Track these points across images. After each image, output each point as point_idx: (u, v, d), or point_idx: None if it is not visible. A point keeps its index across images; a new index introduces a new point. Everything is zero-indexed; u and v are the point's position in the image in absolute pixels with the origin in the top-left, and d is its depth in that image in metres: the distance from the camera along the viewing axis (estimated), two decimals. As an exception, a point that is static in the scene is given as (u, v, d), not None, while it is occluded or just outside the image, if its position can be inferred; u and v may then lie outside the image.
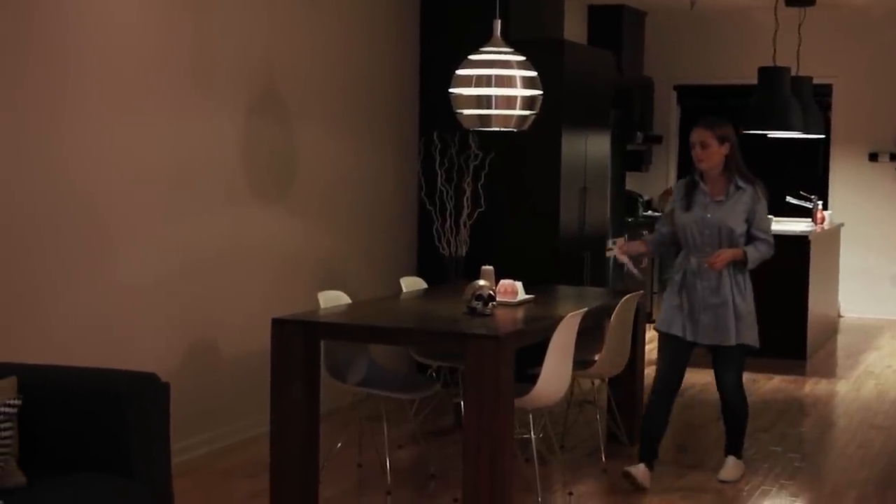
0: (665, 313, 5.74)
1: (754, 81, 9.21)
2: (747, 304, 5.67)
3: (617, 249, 5.91)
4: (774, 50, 9.12)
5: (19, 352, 4.71)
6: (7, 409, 3.70)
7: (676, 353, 5.71)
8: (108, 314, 5.50)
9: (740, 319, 5.63)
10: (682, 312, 5.65)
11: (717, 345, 5.67)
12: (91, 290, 5.39)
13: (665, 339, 5.77)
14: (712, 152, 5.58)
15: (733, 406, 5.81)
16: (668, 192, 12.02)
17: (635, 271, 6.10)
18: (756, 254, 5.62)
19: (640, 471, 5.64)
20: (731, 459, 5.87)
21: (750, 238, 5.65)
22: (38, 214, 5.08)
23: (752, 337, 5.69)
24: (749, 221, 5.63)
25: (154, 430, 4.03)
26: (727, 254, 5.54)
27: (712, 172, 5.63)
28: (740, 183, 5.62)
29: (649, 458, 5.72)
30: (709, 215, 5.59)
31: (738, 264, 5.62)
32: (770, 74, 9.02)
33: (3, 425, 3.67)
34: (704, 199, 5.63)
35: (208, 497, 5.38)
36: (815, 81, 10.13)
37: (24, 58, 4.96)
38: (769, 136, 9.74)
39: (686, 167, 12.27)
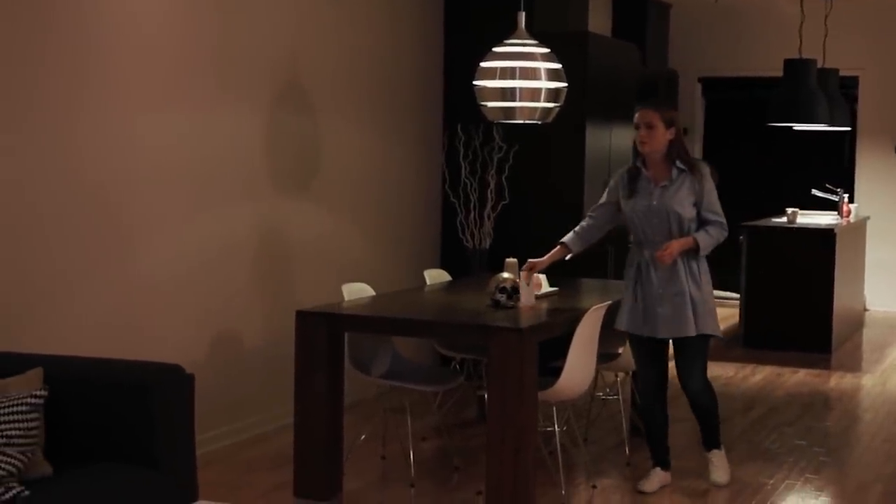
0: (622, 311, 5.44)
1: (780, 73, 9.15)
2: (703, 293, 5.35)
3: (524, 273, 5.51)
4: (800, 42, 9.07)
5: (45, 343, 4.73)
6: (33, 400, 3.73)
7: (647, 351, 5.47)
8: (134, 306, 5.52)
9: (697, 309, 5.32)
10: (636, 308, 5.37)
11: (677, 337, 5.39)
12: (116, 282, 5.41)
13: (631, 340, 5.54)
14: (657, 135, 5.27)
15: (701, 402, 5.52)
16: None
17: (525, 299, 5.45)
18: (708, 239, 5.32)
19: (653, 482, 5.54)
20: (715, 455, 5.63)
21: (701, 222, 5.35)
22: (64, 208, 5.10)
23: (711, 326, 5.38)
24: (697, 204, 5.32)
25: (178, 421, 4.05)
26: (676, 245, 5.23)
27: (654, 157, 5.32)
28: (682, 166, 5.31)
29: (661, 458, 5.61)
30: (654, 202, 5.30)
31: (691, 252, 5.31)
32: (796, 66, 8.96)
33: (29, 416, 3.69)
34: (648, 185, 5.33)
35: (232, 488, 5.40)
36: (842, 73, 10.07)
37: (45, 53, 4.97)
38: (795, 128, 9.69)
39: (711, 159, 12.29)
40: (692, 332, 5.34)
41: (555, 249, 5.64)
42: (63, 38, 5.05)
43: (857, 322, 10.67)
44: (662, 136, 5.28)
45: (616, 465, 6.00)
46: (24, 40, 4.84)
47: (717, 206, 5.38)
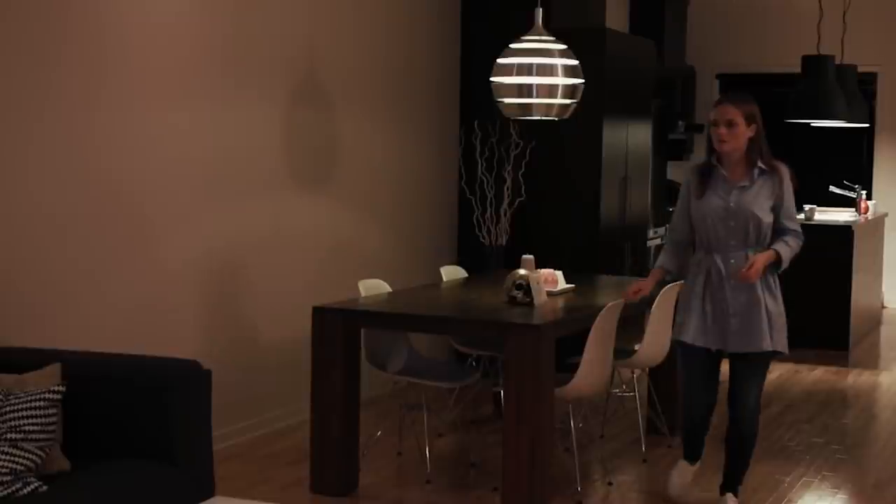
0: (685, 322, 4.97)
1: (798, 70, 9.11)
2: (779, 306, 4.95)
3: (630, 293, 5.24)
4: (818, 38, 9.03)
5: (63, 339, 4.75)
6: (51, 396, 3.74)
7: (704, 368, 5.01)
8: (151, 302, 5.54)
9: (773, 323, 4.90)
10: (705, 319, 4.92)
11: (746, 352, 4.91)
12: (134, 278, 5.43)
13: (687, 353, 5.01)
14: (738, 133, 4.83)
15: (746, 428, 5.02)
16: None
17: (538, 299, 5.46)
18: (789, 252, 4.91)
19: (677, 484, 5.28)
20: (731, 500, 5.13)
21: (777, 230, 4.94)
22: (82, 205, 5.11)
23: (783, 343, 4.96)
24: (776, 209, 4.91)
25: (196, 416, 4.06)
26: (760, 261, 4.78)
27: (734, 156, 4.88)
28: (763, 166, 4.89)
29: (693, 455, 5.28)
30: (732, 204, 4.85)
31: (770, 264, 4.88)
32: (814, 63, 8.92)
33: (47, 412, 3.71)
34: (724, 185, 4.89)
35: (250, 484, 5.41)
36: (860, 70, 10.01)
37: (63, 48, 4.99)
38: (813, 124, 9.66)
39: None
40: (766, 347, 4.89)
41: (653, 273, 5.27)
42: (81, 36, 5.07)
43: (875, 319, 10.63)
44: (743, 133, 4.84)
45: (632, 461, 6.00)
46: (43, 40, 4.86)
47: (795, 214, 5.00)
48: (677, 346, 5.08)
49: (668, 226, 5.26)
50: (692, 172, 5.05)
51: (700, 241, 4.99)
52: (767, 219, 4.90)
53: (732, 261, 4.87)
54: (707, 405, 5.10)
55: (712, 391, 5.09)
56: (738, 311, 4.88)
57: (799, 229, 5.00)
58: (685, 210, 5.05)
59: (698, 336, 4.94)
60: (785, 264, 4.93)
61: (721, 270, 4.89)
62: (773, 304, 4.93)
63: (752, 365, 4.94)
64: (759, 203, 4.87)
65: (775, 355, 4.99)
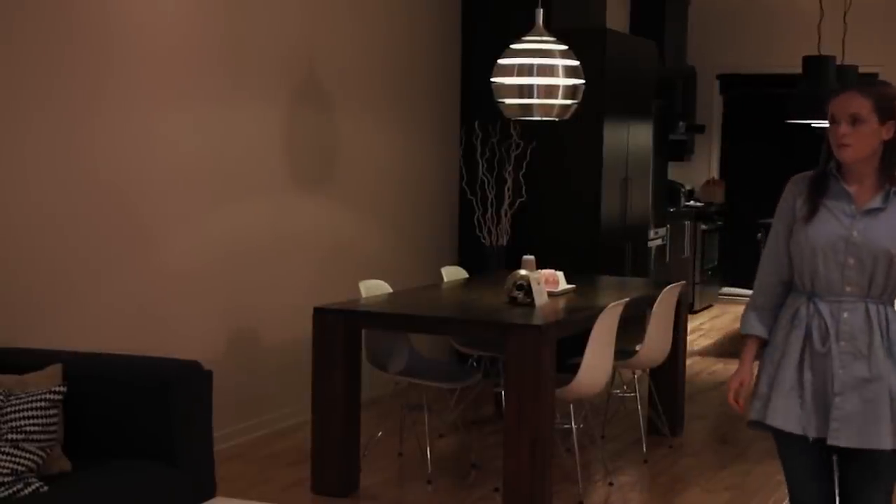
0: (771, 397, 3.48)
1: (799, 70, 9.12)
2: None
3: (732, 397, 3.59)
4: (819, 38, 9.03)
5: (64, 340, 4.76)
6: (52, 396, 3.74)
7: (811, 462, 3.51)
8: (152, 303, 5.54)
9: None
10: (801, 395, 3.43)
11: (862, 449, 3.40)
12: (135, 279, 5.43)
13: (782, 443, 3.54)
14: (866, 132, 3.35)
15: None
16: (713, 183, 11.98)
17: (538, 300, 5.29)
18: None
19: None
20: None
21: None
22: (83, 206, 5.12)
23: None
24: None
25: (197, 417, 4.07)
26: None
27: (861, 166, 3.40)
28: None
29: None
30: (855, 233, 3.37)
31: None
32: (815, 63, 8.92)
33: (48, 412, 3.71)
34: (848, 206, 3.40)
35: (250, 484, 5.41)
36: (861, 70, 10.00)
37: (65, 49, 4.99)
38: (814, 125, 9.66)
39: (729, 157, 12.29)
40: (888, 445, 3.38)
41: (748, 348, 3.61)
42: (82, 38, 5.07)
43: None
44: (873, 134, 3.36)
45: (633, 462, 6.00)
46: (45, 42, 4.86)
47: None
48: (761, 429, 3.55)
49: (758, 273, 3.65)
50: (798, 184, 3.54)
51: (800, 283, 3.49)
52: None
53: (845, 314, 3.40)
54: None
55: (824, 494, 3.56)
56: (851, 388, 3.38)
57: None
58: (784, 239, 3.54)
59: (791, 419, 3.45)
60: None
61: (827, 326, 3.41)
62: None
63: (872, 465, 3.44)
64: (893, 236, 3.38)
65: None
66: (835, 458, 3.50)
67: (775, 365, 3.49)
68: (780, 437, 3.50)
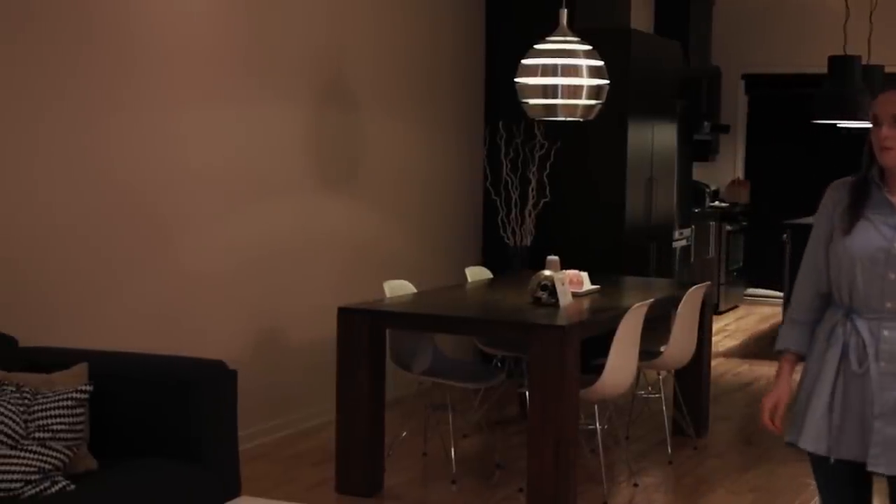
0: (802, 417, 3.31)
1: (824, 70, 9.07)
2: None
3: (767, 417, 3.41)
4: (845, 38, 8.98)
5: (90, 339, 4.78)
6: (78, 395, 3.76)
7: (845, 486, 3.32)
8: (177, 303, 5.56)
9: None
10: (830, 415, 3.24)
11: None
12: (160, 279, 5.45)
13: (816, 466, 3.36)
14: None
15: None
16: (738, 183, 11.94)
17: (563, 300, 5.32)
18: None
19: None
20: None
21: None
22: (108, 205, 5.14)
23: None
24: None
25: (221, 416, 4.08)
26: None
27: None
28: None
29: None
30: None
31: None
32: (840, 63, 8.88)
33: (74, 411, 3.73)
34: (890, 217, 3.20)
35: (275, 484, 5.43)
36: (887, 70, 9.95)
37: (85, 49, 5.01)
38: (839, 125, 9.61)
39: (753, 157, 12.24)
40: None
41: (783, 365, 3.41)
42: (102, 38, 5.09)
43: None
44: None
45: (658, 463, 5.98)
46: (65, 42, 4.88)
47: None
48: (797, 449, 3.38)
49: (795, 285, 3.44)
50: (838, 191, 3.35)
51: (838, 297, 3.28)
52: None
53: (886, 332, 3.19)
54: None
55: None
56: (889, 412, 3.17)
57: None
58: (823, 249, 3.33)
59: (816, 439, 3.27)
60: None
61: (865, 345, 3.20)
62: None
63: None
64: None
65: None
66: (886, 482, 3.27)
67: (809, 384, 3.31)
68: (815, 459, 3.33)
